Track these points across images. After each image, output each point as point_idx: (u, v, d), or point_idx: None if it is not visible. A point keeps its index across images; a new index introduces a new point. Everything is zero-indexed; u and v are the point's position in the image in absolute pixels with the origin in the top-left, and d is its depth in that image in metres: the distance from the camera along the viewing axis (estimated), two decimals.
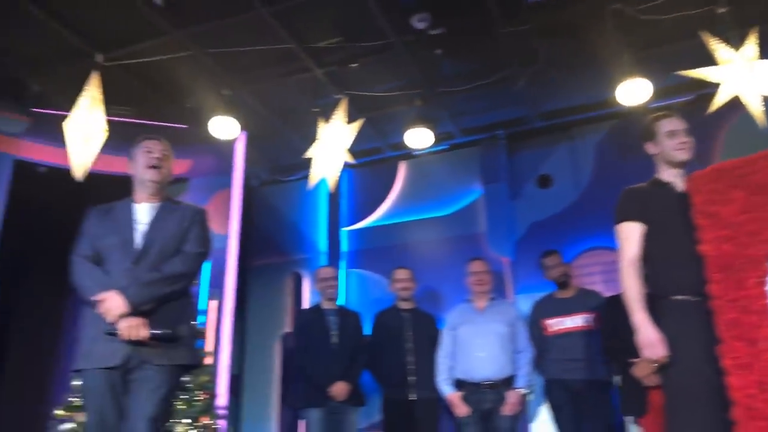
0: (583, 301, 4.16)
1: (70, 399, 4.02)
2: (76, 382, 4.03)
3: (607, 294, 4.12)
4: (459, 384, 4.09)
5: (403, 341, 4.40)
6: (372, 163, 5.89)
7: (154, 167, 2.70)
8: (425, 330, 4.48)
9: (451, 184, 5.45)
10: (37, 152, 4.95)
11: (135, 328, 2.40)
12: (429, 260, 5.29)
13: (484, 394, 3.96)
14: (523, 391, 3.98)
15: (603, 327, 3.92)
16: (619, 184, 2.58)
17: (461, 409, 3.98)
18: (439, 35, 4.24)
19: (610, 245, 4.75)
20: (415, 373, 4.30)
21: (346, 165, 5.07)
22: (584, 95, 5.10)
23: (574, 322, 4.09)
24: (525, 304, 4.65)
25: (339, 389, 4.15)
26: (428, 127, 4.96)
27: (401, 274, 4.61)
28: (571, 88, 4.99)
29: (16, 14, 4.10)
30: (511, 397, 3.93)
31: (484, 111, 5.31)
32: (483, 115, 5.37)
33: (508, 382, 3.98)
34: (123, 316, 2.41)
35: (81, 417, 3.86)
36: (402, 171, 5.69)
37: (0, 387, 5.01)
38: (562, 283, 4.24)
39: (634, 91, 4.32)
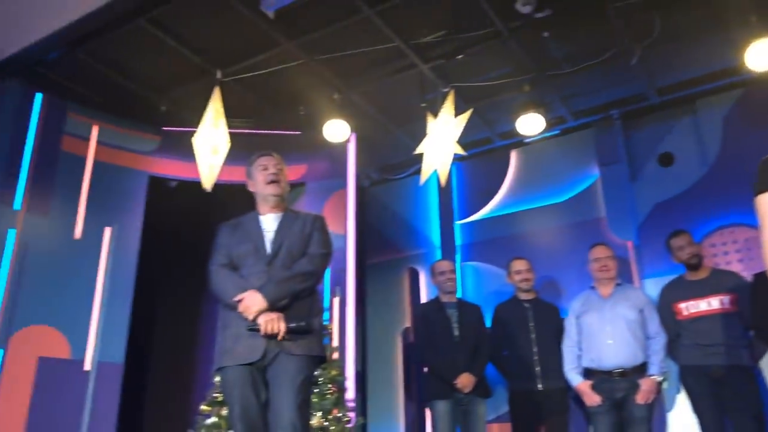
0: (718, 282, 3.93)
1: (213, 395, 4.30)
2: (218, 379, 4.31)
3: (746, 273, 3.86)
4: (588, 373, 4.00)
5: (526, 332, 4.35)
6: (483, 153, 5.85)
7: (272, 182, 2.90)
8: (548, 320, 4.41)
9: (565, 170, 5.31)
10: (167, 168, 5.32)
11: (274, 322, 2.57)
12: (547, 249, 5.18)
13: (616, 383, 3.85)
14: (657, 378, 3.83)
15: (752, 307, 3.68)
16: (753, 156, 2.41)
17: (592, 398, 3.88)
18: (546, 17, 4.14)
19: (746, 221, 4.47)
20: (540, 364, 4.25)
21: (457, 158, 5.08)
22: (707, 65, 4.80)
23: (710, 304, 3.87)
24: (652, 288, 4.46)
25: (465, 381, 4.17)
26: (539, 113, 4.87)
27: (519, 264, 4.56)
28: (692, 58, 4.71)
29: (143, 40, 4.46)
30: (645, 384, 3.78)
31: (597, 91, 5.12)
32: (595, 96, 5.19)
33: (640, 370, 3.84)
34: (262, 312, 2.58)
35: (224, 411, 4.12)
36: (514, 160, 5.61)
37: (148, 385, 5.43)
38: (694, 265, 4.02)
39: (765, 54, 4.01)
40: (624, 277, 4.32)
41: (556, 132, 5.52)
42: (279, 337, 2.58)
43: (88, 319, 4.61)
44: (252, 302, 2.60)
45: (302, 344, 2.63)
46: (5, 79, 4.58)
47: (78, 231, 4.75)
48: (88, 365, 4.52)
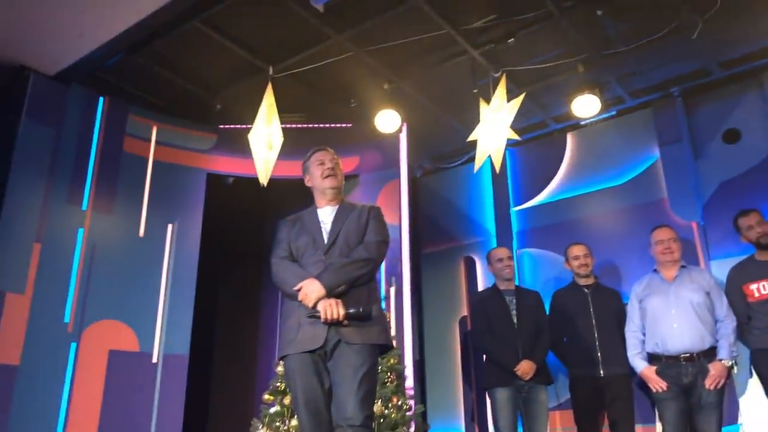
0: None
1: (276, 384, 4.39)
2: (280, 369, 4.40)
3: None
4: (653, 358, 3.90)
5: (586, 318, 4.28)
6: (537, 138, 5.75)
7: (330, 176, 2.95)
8: (609, 305, 4.32)
9: (624, 151, 5.15)
10: (224, 165, 5.45)
11: (333, 307, 2.60)
12: (606, 233, 5.06)
13: (683, 368, 3.73)
14: (726, 362, 3.69)
15: None
16: None
17: (658, 384, 3.78)
18: None
19: None
20: (601, 350, 4.17)
21: (511, 143, 5.01)
22: None
23: None
24: (719, 270, 4.30)
25: (525, 368, 4.13)
26: (594, 94, 4.76)
27: (577, 250, 4.47)
28: (757, 29, 4.50)
29: (196, 41, 4.57)
30: (714, 369, 3.66)
31: (655, 69, 4.95)
32: (654, 74, 5.02)
33: (709, 354, 3.72)
34: (320, 298, 2.62)
35: (286, 400, 4.20)
36: (570, 143, 5.48)
37: (213, 375, 5.59)
38: (764, 244, 3.85)
39: None
40: (689, 260, 4.18)
41: (613, 113, 5.37)
42: (340, 320, 2.61)
43: (155, 313, 4.78)
44: (310, 290, 2.64)
45: (362, 333, 2.65)
46: (70, 84, 4.77)
47: (142, 229, 4.92)
48: (155, 357, 4.69)
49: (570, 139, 5.49)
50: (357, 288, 2.72)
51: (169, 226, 5.02)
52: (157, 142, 5.16)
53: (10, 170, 4.33)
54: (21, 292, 4.21)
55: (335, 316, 2.60)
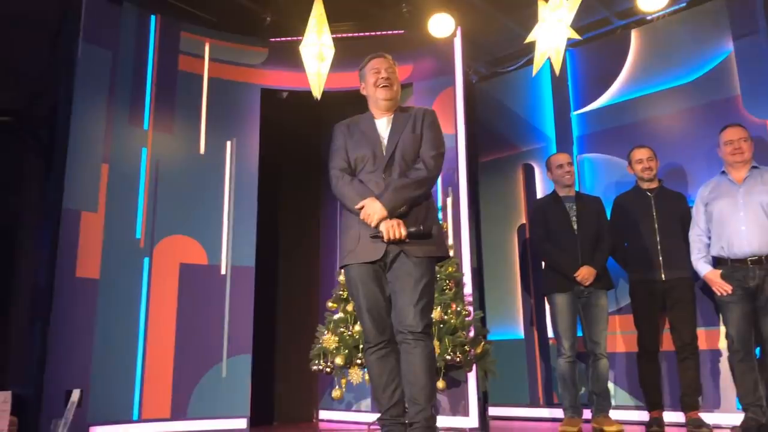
0: None
1: (338, 293, 4.56)
2: (342, 277, 4.55)
3: None
4: (718, 262, 3.83)
5: (648, 222, 4.21)
6: (599, 36, 5.45)
7: (384, 87, 2.89)
8: (673, 209, 4.23)
9: (693, 47, 4.83)
10: (278, 79, 5.44)
11: (395, 228, 2.66)
12: (671, 135, 4.85)
13: (750, 271, 3.66)
14: None
15: None
16: None
17: (723, 287, 3.73)
18: None
19: None
20: (662, 254, 4.12)
21: (571, 43, 4.78)
22: None
23: None
24: None
25: (585, 273, 4.13)
26: None
27: (640, 153, 4.35)
28: None
29: None
30: None
31: None
32: None
33: None
34: (382, 219, 2.66)
35: (349, 307, 4.37)
36: (635, 40, 5.17)
37: (278, 285, 5.82)
38: None
39: None
40: (761, 160, 3.99)
41: (683, 5, 5.01)
42: (402, 239, 2.67)
43: (220, 227, 4.97)
44: (372, 210, 2.69)
45: (422, 247, 2.71)
46: (122, 3, 4.78)
47: (202, 146, 5.03)
48: (223, 269, 4.91)
49: (635, 36, 5.18)
50: (417, 206, 2.77)
51: (228, 143, 5.12)
52: (210, 59, 5.17)
53: (74, 95, 4.46)
54: (94, 210, 4.43)
55: (397, 236, 2.66)
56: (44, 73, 5.17)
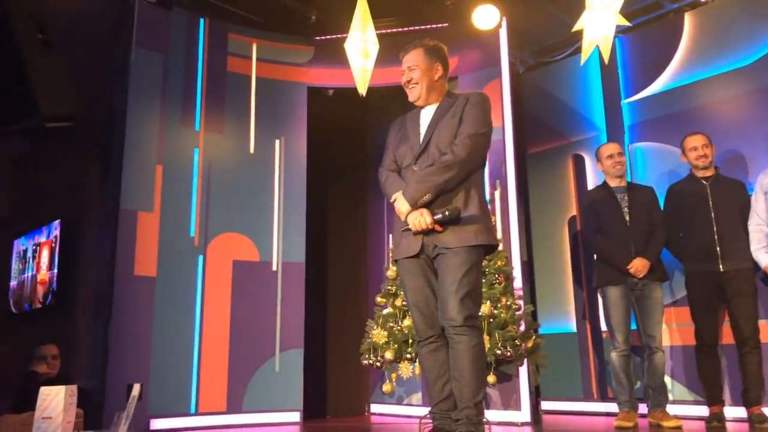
0: None
1: (387, 287, 4.58)
2: (390, 272, 4.58)
3: None
4: None
5: (705, 211, 4.08)
6: (650, 21, 5.30)
7: (409, 89, 2.90)
8: (730, 197, 4.09)
9: (750, 28, 4.64)
10: (323, 77, 5.49)
11: (419, 218, 2.65)
12: (728, 121, 4.68)
13: None
14: None
15: None
16: None
17: None
18: None
19: None
20: (720, 244, 3.99)
21: (620, 30, 4.66)
22: None
23: None
24: None
25: (638, 266, 4.04)
26: None
27: (694, 140, 4.21)
28: None
29: None
30: None
31: None
32: None
33: None
34: (408, 213, 2.67)
35: (398, 302, 4.39)
36: (688, 24, 5.00)
37: (328, 280, 5.89)
38: None
39: None
40: None
41: None
42: (431, 228, 2.64)
43: (270, 224, 5.06)
44: (399, 206, 2.72)
45: (458, 236, 2.65)
46: (172, 8, 4.92)
47: (251, 146, 5.13)
48: (275, 266, 5.01)
49: (688, 19, 5.01)
50: (450, 192, 2.69)
51: (277, 141, 5.21)
52: (257, 59, 5.27)
53: (128, 99, 4.61)
54: (150, 210, 4.58)
55: (423, 226, 2.64)
56: (101, 78, 5.37)
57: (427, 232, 2.68)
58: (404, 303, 4.23)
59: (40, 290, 6.91)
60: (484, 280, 4.23)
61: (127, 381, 4.11)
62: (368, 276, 5.92)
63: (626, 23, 4.18)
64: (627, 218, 4.21)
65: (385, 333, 4.29)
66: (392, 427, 4.61)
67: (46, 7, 4.59)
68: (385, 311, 4.49)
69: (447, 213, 2.61)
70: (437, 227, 2.64)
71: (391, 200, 2.78)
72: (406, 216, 2.69)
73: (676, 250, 4.29)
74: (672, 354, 4.61)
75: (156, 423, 4.33)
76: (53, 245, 6.79)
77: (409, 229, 2.69)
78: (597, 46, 4.20)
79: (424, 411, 3.08)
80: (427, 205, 2.66)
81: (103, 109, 5.48)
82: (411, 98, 2.91)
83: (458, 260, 2.63)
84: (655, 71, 5.12)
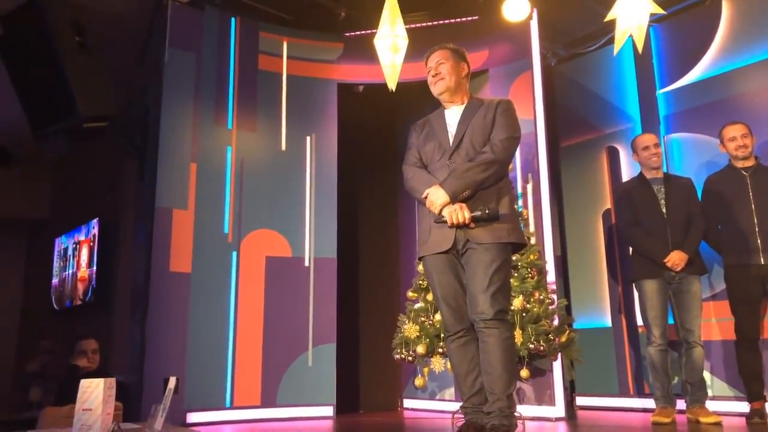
0: None
1: (418, 282, 4.58)
2: (421, 267, 4.57)
3: None
4: None
5: (744, 202, 3.98)
6: (686, 9, 5.16)
7: (434, 83, 2.96)
8: None
9: None
10: (353, 73, 5.51)
11: (457, 212, 2.66)
12: None
13: None
14: None
15: None
16: None
17: None
18: None
19: None
20: (761, 236, 3.89)
21: (654, 19, 4.56)
22: None
23: None
24: None
25: (675, 259, 3.96)
26: None
27: (733, 130, 4.10)
28: None
29: None
30: None
31: None
32: None
33: None
34: (445, 205, 2.66)
35: (429, 296, 4.39)
36: (726, 11, 4.86)
37: (360, 276, 5.91)
38: None
39: None
40: None
41: None
42: (466, 224, 2.65)
43: (303, 221, 5.10)
44: (435, 197, 2.71)
45: (491, 233, 2.68)
46: (204, 8, 4.99)
47: (283, 143, 5.18)
48: (307, 261, 5.05)
49: (726, 5, 4.88)
50: (486, 189, 2.73)
51: (308, 138, 5.24)
52: (288, 57, 5.31)
53: (162, 98, 4.69)
54: (185, 208, 4.66)
55: (461, 221, 2.65)
56: (136, 79, 5.47)
57: (459, 227, 2.69)
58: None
59: (80, 287, 7.10)
60: (516, 275, 4.20)
61: (163, 375, 4.18)
62: (399, 271, 5.93)
63: (661, 11, 4.09)
64: (664, 210, 4.13)
65: (417, 327, 4.29)
66: (425, 422, 4.61)
67: (84, 10, 4.70)
68: (417, 306, 4.49)
69: (487, 212, 2.65)
70: (472, 224, 2.65)
71: (422, 195, 2.77)
72: (441, 209, 2.70)
73: (714, 243, 4.19)
74: (711, 349, 4.51)
75: (192, 416, 4.41)
76: (92, 243, 6.96)
77: (444, 221, 2.70)
78: (631, 35, 4.12)
79: (457, 406, 3.07)
80: (465, 200, 2.69)
81: (138, 109, 5.59)
82: (437, 90, 2.96)
83: (490, 256, 2.66)
84: (691, 60, 5.00)
